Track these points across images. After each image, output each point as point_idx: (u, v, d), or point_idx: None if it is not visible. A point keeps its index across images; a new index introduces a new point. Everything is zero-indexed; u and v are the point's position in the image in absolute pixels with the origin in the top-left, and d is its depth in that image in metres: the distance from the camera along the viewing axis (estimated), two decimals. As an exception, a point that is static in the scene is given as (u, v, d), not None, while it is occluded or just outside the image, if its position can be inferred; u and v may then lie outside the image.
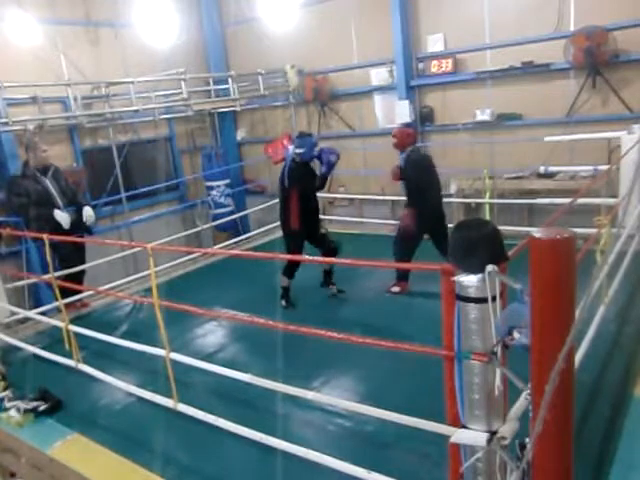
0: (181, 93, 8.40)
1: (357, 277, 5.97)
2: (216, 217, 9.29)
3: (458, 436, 2.16)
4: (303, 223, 5.34)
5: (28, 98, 7.45)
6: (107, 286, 5.89)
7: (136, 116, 8.51)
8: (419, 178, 5.25)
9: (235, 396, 3.69)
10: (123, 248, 6.99)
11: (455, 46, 7.94)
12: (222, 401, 3.73)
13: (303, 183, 5.30)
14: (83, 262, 5.85)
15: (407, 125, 5.53)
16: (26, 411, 3.81)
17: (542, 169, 6.91)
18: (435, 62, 8.04)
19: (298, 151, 5.32)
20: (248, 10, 9.51)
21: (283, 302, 5.42)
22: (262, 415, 3.51)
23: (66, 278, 5.32)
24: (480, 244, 2.01)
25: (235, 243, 8.10)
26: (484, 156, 7.49)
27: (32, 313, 5.22)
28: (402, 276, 5.48)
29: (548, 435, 1.80)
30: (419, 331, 4.52)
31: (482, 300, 2.00)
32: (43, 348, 4.59)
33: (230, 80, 9.08)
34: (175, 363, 3.37)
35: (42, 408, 3.84)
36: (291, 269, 5.33)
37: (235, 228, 9.49)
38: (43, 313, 5.43)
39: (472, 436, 2.12)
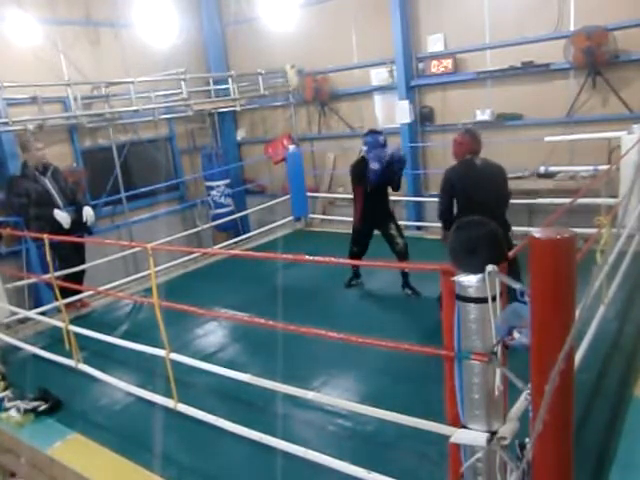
0: (181, 93, 8.39)
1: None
2: (216, 217, 9.28)
3: (458, 436, 2.16)
4: (366, 220, 5.46)
5: (28, 98, 7.44)
6: (107, 286, 5.90)
7: (136, 116, 8.50)
8: (456, 194, 4.36)
9: (235, 396, 3.69)
10: (123, 248, 6.99)
11: (455, 46, 7.93)
12: (222, 401, 3.73)
13: (364, 180, 5.30)
14: (83, 262, 5.85)
15: (466, 131, 4.52)
16: (26, 411, 3.81)
17: (542, 169, 6.91)
18: (435, 62, 8.03)
19: (363, 148, 5.38)
20: (248, 10, 9.51)
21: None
22: (262, 415, 3.51)
23: (66, 278, 5.32)
24: (480, 244, 2.01)
25: (235, 243, 8.10)
26: (484, 156, 7.47)
27: (32, 313, 5.22)
28: None
29: (548, 435, 1.80)
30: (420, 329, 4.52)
31: (482, 300, 2.01)
32: (43, 348, 4.59)
33: (230, 80, 9.07)
34: (175, 363, 3.37)
35: (42, 408, 3.84)
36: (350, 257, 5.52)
37: (235, 228, 9.49)
38: (43, 313, 5.44)
39: (472, 436, 2.12)
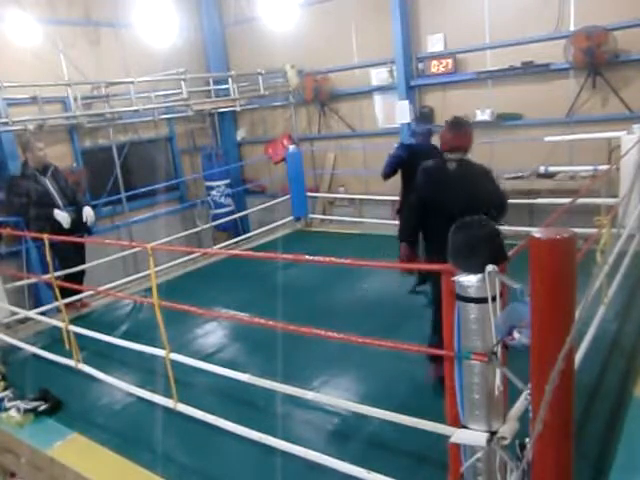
0: (181, 93, 8.39)
1: (356, 277, 5.97)
2: (216, 217, 9.28)
3: (458, 436, 2.16)
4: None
5: (28, 98, 7.45)
6: (107, 286, 5.90)
7: (136, 116, 8.51)
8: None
9: (235, 396, 3.69)
10: (123, 248, 6.98)
11: (455, 46, 7.93)
12: (222, 401, 3.73)
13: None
14: (83, 262, 5.85)
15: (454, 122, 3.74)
16: (26, 411, 3.81)
17: (542, 169, 6.91)
18: (435, 62, 8.04)
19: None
20: (248, 10, 9.52)
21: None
22: (262, 415, 3.51)
23: (66, 278, 5.32)
24: (480, 244, 2.01)
25: (235, 243, 8.10)
26: (484, 156, 7.46)
27: (32, 313, 5.22)
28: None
29: (548, 435, 1.80)
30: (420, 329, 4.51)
31: (482, 300, 2.01)
32: (43, 348, 4.58)
33: (230, 80, 9.07)
34: (175, 363, 3.37)
35: (42, 408, 3.84)
36: None
37: (235, 228, 9.49)
38: (43, 313, 5.43)
39: (472, 436, 2.13)
